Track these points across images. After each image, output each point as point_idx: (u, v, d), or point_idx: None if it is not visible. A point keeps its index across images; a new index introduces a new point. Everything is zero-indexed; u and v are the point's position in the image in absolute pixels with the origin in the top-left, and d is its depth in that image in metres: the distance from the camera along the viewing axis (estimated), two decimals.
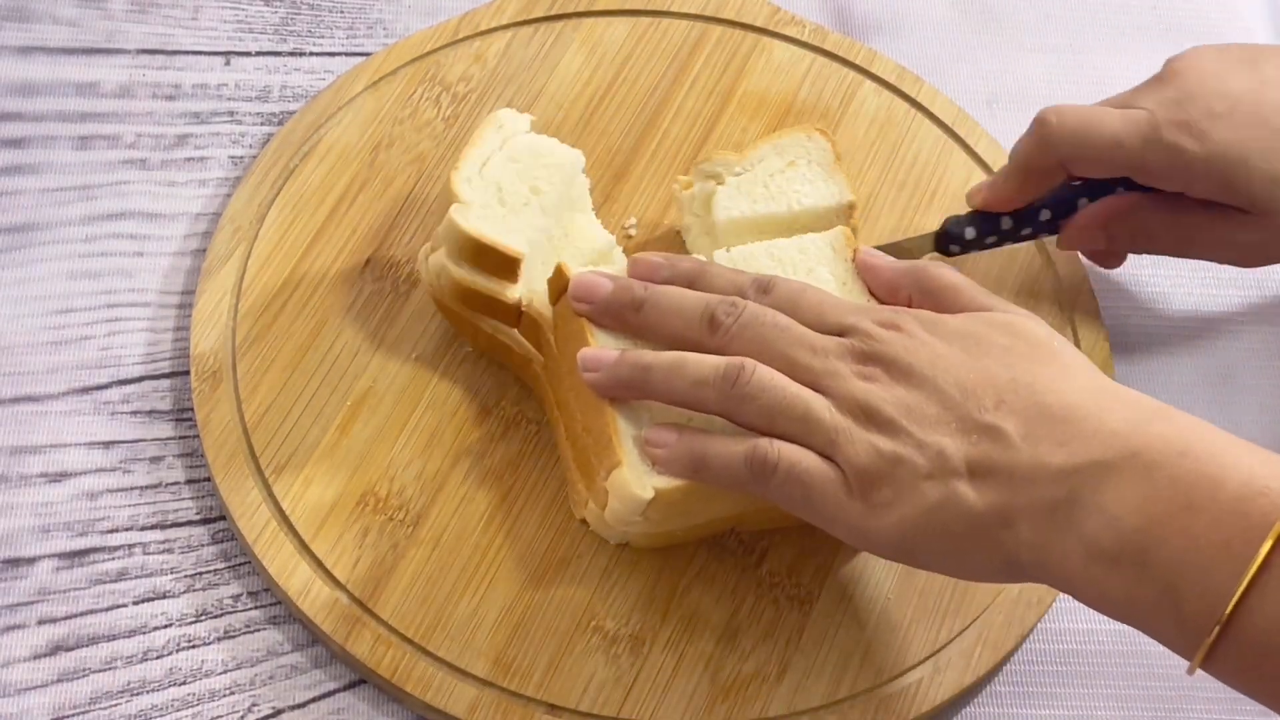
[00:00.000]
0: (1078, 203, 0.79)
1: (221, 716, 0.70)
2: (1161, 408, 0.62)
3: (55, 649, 0.70)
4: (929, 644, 0.73)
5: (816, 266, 0.73)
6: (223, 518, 0.74)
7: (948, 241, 0.80)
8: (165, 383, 0.77)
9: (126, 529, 0.73)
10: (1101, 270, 0.83)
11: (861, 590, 0.74)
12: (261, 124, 0.84)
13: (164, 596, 0.72)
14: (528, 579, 0.72)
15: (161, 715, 0.69)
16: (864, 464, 0.63)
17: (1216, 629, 0.57)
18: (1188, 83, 0.75)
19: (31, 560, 0.72)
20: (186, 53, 0.85)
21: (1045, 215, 0.80)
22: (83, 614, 0.71)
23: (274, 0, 0.88)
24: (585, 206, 0.78)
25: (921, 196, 0.84)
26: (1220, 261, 0.80)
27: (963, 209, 0.81)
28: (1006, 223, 0.80)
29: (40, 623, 0.71)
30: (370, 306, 0.78)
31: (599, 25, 0.87)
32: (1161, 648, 0.60)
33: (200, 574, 0.72)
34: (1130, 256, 0.83)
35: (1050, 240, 0.82)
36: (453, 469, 0.74)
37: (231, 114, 0.84)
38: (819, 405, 0.65)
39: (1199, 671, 0.59)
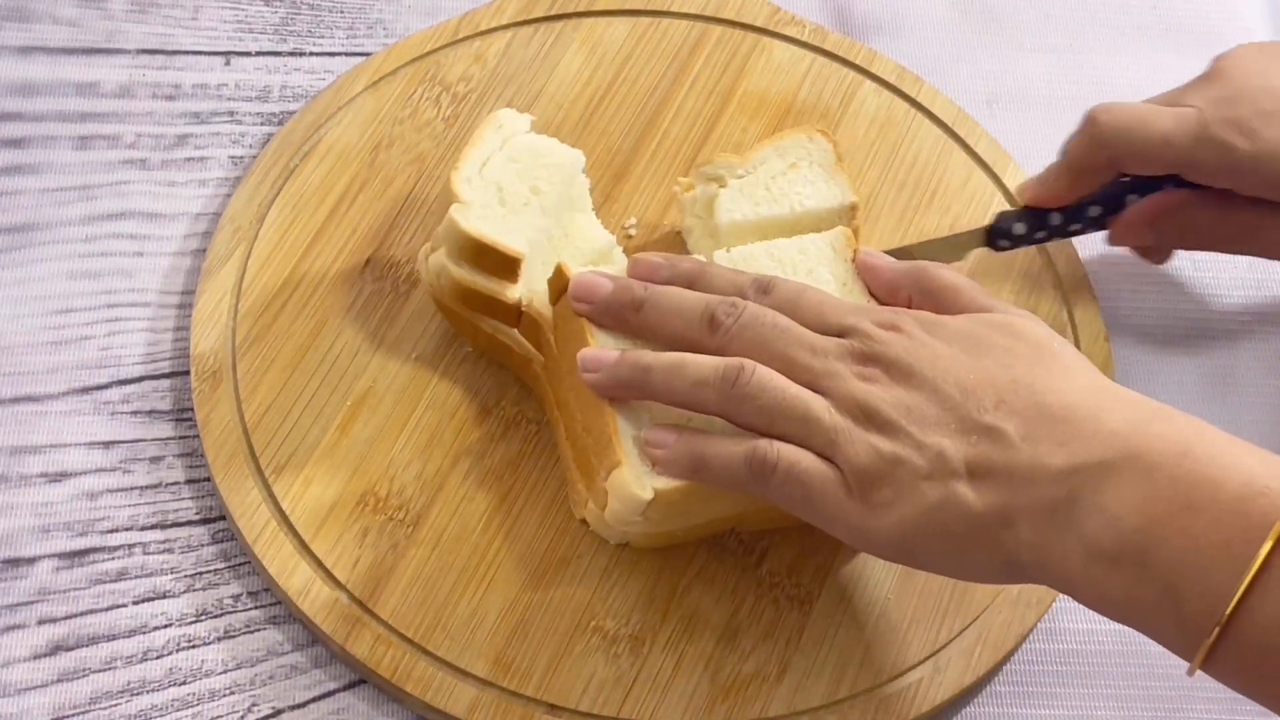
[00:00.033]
0: (1126, 199, 0.80)
1: (221, 716, 0.70)
2: (1161, 408, 0.62)
3: (55, 649, 0.70)
4: (929, 644, 0.73)
5: (817, 267, 0.73)
6: (223, 518, 0.74)
7: (997, 236, 0.80)
8: (165, 383, 0.77)
9: (126, 529, 0.73)
10: (1101, 271, 0.84)
11: (861, 590, 0.74)
12: (261, 124, 0.84)
13: (164, 596, 0.72)
14: (528, 579, 0.72)
15: (161, 715, 0.69)
16: (863, 464, 0.63)
17: (1216, 629, 0.57)
18: (1235, 81, 0.76)
19: (31, 560, 0.72)
20: (186, 53, 0.85)
21: (1094, 211, 0.80)
22: (83, 614, 0.71)
23: (274, 0, 0.88)
24: (585, 206, 0.78)
25: (921, 196, 0.84)
26: (1268, 257, 0.80)
27: (963, 209, 0.81)
28: (1056, 218, 0.80)
29: (40, 623, 0.71)
30: (370, 306, 0.78)
31: (599, 25, 0.87)
32: (1161, 648, 0.60)
33: (200, 574, 0.72)
34: (1126, 256, 0.83)
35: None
36: (453, 469, 0.74)
37: (231, 114, 0.84)
38: (819, 406, 0.65)
39: (1199, 672, 0.59)
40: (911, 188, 0.84)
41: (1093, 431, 0.61)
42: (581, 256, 0.76)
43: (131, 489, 0.74)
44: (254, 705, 0.70)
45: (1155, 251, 0.82)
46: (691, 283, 0.70)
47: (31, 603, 0.71)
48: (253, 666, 0.71)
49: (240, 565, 0.73)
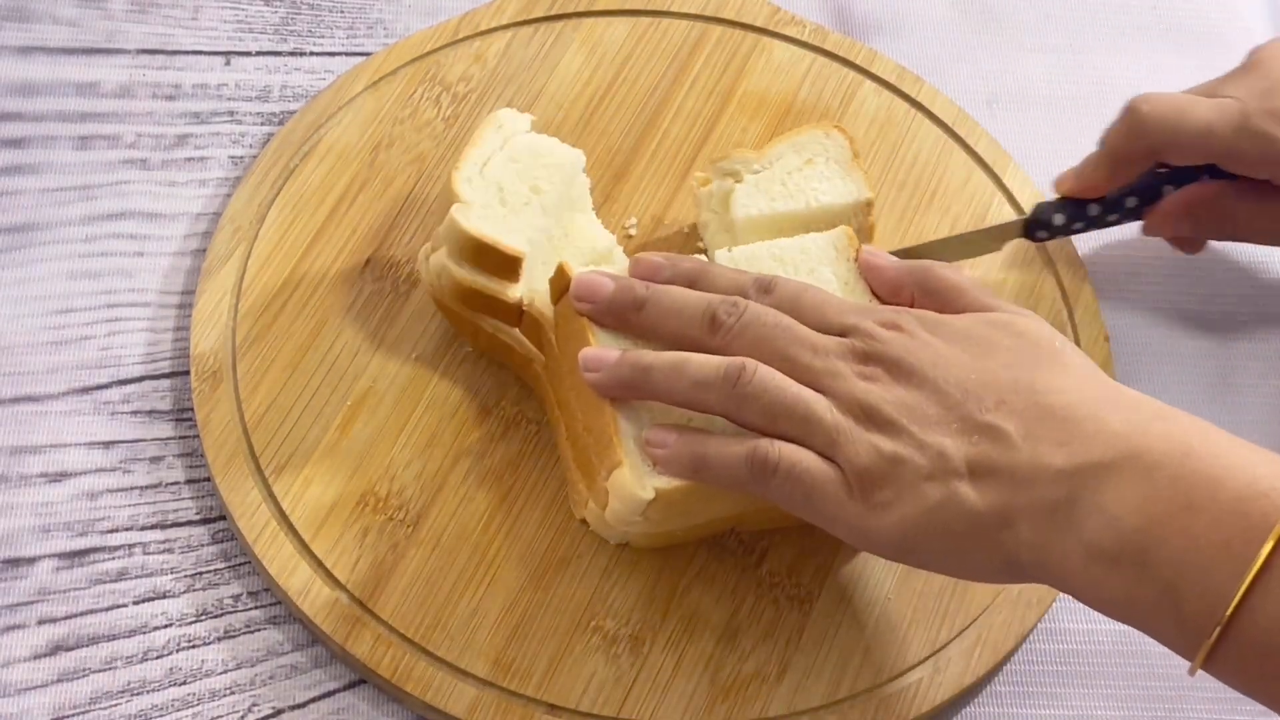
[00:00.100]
0: (1162, 190, 0.80)
1: (221, 716, 0.70)
2: (1163, 408, 0.62)
3: (55, 649, 0.70)
4: (929, 644, 0.73)
5: (819, 266, 0.73)
6: (223, 518, 0.74)
7: (1036, 228, 0.81)
8: (165, 383, 0.77)
9: (126, 529, 0.73)
10: (1102, 270, 0.84)
11: (861, 590, 0.74)
12: (261, 124, 0.84)
13: (164, 596, 0.72)
14: (528, 579, 0.72)
15: (161, 715, 0.69)
16: (865, 464, 0.63)
17: (1217, 630, 0.57)
18: (1275, 72, 0.76)
19: (31, 560, 0.72)
20: (186, 53, 0.85)
21: (1131, 202, 0.80)
22: (83, 614, 0.71)
23: (274, 0, 0.88)
24: (585, 206, 0.78)
25: (921, 196, 0.84)
26: None
27: (963, 208, 0.81)
28: (1094, 209, 0.80)
29: (40, 623, 0.70)
30: (370, 306, 0.78)
31: (599, 25, 0.87)
32: (1162, 648, 0.60)
33: (200, 574, 0.72)
34: (1127, 255, 0.83)
35: (1050, 239, 0.82)
36: (453, 469, 0.74)
37: (231, 114, 0.84)
38: (820, 405, 0.65)
39: (1199, 672, 0.59)
40: (911, 188, 0.84)
41: (1094, 431, 0.61)
42: (582, 256, 0.76)
43: (131, 489, 0.74)
44: (254, 705, 0.70)
45: (1190, 242, 0.83)
46: (693, 282, 0.70)
47: (31, 603, 0.71)
48: (253, 666, 0.71)
49: (240, 565, 0.73)
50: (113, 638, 0.71)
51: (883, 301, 0.72)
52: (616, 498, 0.68)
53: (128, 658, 0.70)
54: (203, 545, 0.73)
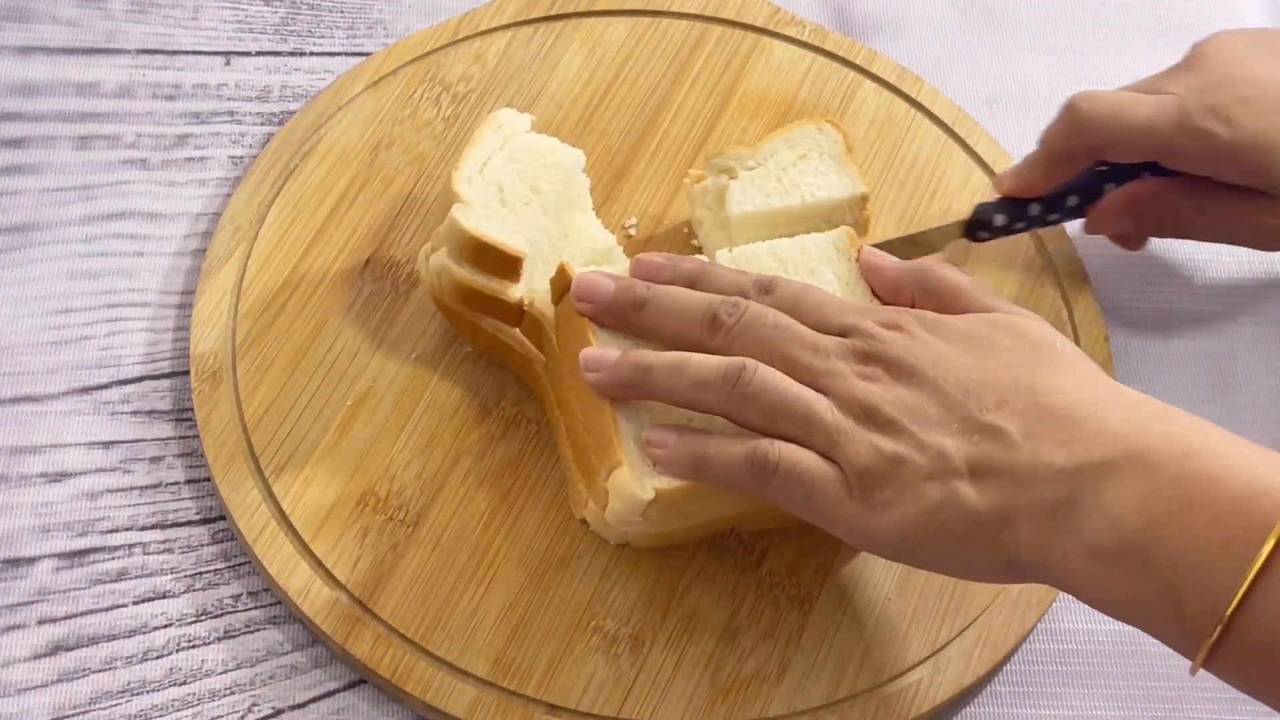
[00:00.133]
0: (1104, 188, 0.80)
1: (221, 716, 0.70)
2: (1164, 408, 0.62)
3: (55, 649, 0.70)
4: (929, 644, 0.73)
5: (819, 266, 0.73)
6: (223, 518, 0.74)
7: (977, 228, 0.80)
8: (165, 383, 0.77)
9: (126, 529, 0.73)
10: (1102, 270, 0.84)
11: (861, 590, 0.74)
12: (261, 124, 0.84)
13: (164, 596, 0.72)
14: (528, 579, 0.72)
15: (161, 715, 0.69)
16: (865, 464, 0.63)
17: (1218, 629, 0.57)
18: (1216, 67, 0.76)
19: (31, 560, 0.72)
20: (186, 53, 0.85)
21: (1073, 201, 0.80)
22: (83, 614, 0.71)
23: (274, 0, 0.88)
24: (585, 206, 0.78)
25: (921, 196, 0.84)
26: (1244, 245, 0.80)
27: (963, 209, 0.81)
28: (1035, 208, 0.80)
29: (40, 623, 0.70)
30: (370, 306, 0.78)
31: (599, 25, 0.87)
32: (1162, 648, 0.60)
33: (200, 574, 0.72)
34: (1127, 255, 0.83)
35: (1050, 238, 0.82)
36: (453, 469, 0.74)
37: (231, 114, 0.84)
38: (820, 405, 0.65)
39: (1200, 671, 0.59)
40: (911, 188, 0.84)
41: (1094, 431, 0.61)
42: (582, 256, 0.76)
43: (131, 489, 0.74)
44: (254, 705, 0.70)
45: (1131, 239, 0.83)
46: (693, 283, 0.70)
47: (31, 603, 0.71)
48: (253, 666, 0.71)
49: (240, 565, 0.73)
50: (113, 638, 0.71)
51: (883, 302, 0.72)
52: (616, 498, 0.68)
53: (128, 658, 0.70)
54: (203, 545, 0.73)
